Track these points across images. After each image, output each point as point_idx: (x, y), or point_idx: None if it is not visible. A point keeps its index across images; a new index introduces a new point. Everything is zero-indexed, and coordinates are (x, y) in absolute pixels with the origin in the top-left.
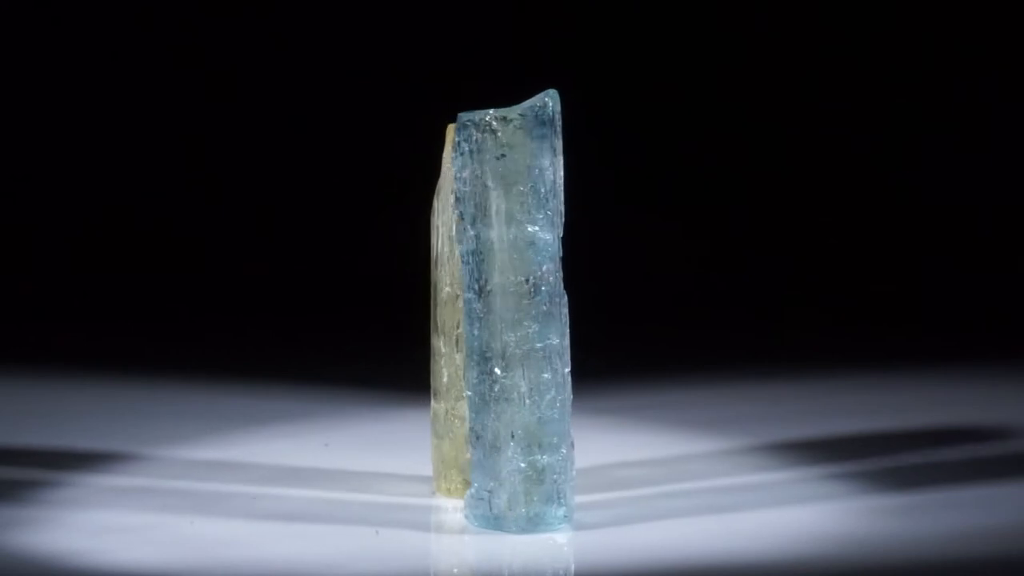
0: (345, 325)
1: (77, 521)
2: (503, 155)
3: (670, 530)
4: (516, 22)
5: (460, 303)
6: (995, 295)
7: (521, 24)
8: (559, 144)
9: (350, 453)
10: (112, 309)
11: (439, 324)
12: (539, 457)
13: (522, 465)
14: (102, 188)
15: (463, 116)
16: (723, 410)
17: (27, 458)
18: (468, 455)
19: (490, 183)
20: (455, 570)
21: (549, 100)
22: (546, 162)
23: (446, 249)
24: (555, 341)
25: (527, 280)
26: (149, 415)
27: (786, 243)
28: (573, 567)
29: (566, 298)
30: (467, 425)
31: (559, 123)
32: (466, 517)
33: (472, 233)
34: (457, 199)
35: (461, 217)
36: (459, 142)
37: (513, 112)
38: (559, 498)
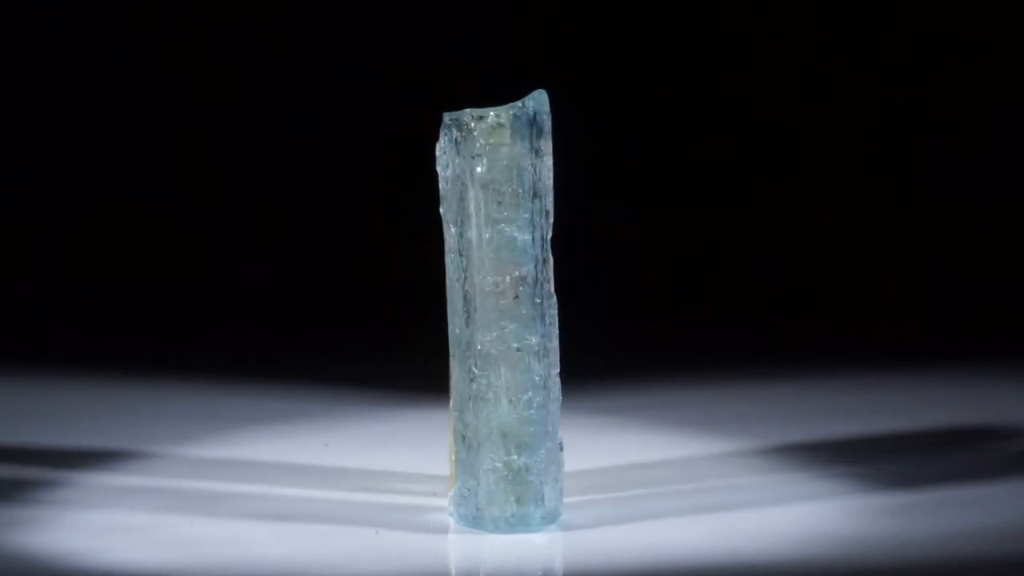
0: (345, 325)
1: (77, 521)
2: (479, 155)
3: (666, 530)
4: (517, 21)
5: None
6: (995, 295)
7: (521, 23)
8: (545, 144)
9: (350, 453)
10: (112, 309)
11: None
12: (515, 457)
13: (498, 465)
14: (102, 188)
15: (447, 116)
16: (723, 410)
17: (27, 458)
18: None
19: (468, 183)
20: (429, 569)
21: (530, 101)
22: (525, 162)
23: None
24: (532, 341)
25: (499, 281)
26: (149, 415)
27: (786, 243)
28: (560, 568)
29: (554, 299)
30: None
31: (545, 124)
32: (451, 516)
33: (454, 232)
34: (441, 198)
35: (444, 216)
36: (442, 141)
37: (491, 112)
38: (538, 499)
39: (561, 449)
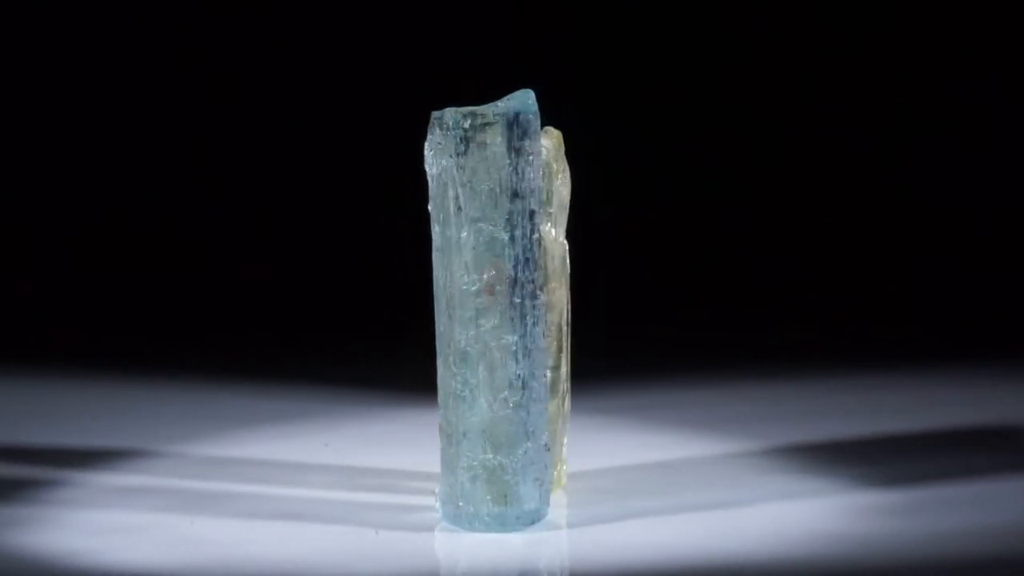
0: (345, 325)
1: (77, 521)
2: (460, 153)
3: (666, 530)
4: (518, 21)
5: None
6: (995, 295)
7: (523, 23)
8: (530, 145)
9: (350, 453)
10: (112, 309)
11: None
12: (491, 456)
13: (474, 463)
14: (102, 188)
15: (434, 114)
16: (723, 410)
17: (27, 458)
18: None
19: (450, 181)
20: (408, 568)
21: (511, 100)
22: (504, 162)
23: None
24: (510, 340)
25: (481, 279)
26: (149, 415)
27: (786, 243)
28: (545, 569)
29: (540, 299)
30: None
31: (529, 124)
32: (438, 513)
33: (438, 230)
34: (429, 196)
35: (431, 215)
36: (429, 140)
37: (472, 111)
38: (513, 498)
39: (547, 450)
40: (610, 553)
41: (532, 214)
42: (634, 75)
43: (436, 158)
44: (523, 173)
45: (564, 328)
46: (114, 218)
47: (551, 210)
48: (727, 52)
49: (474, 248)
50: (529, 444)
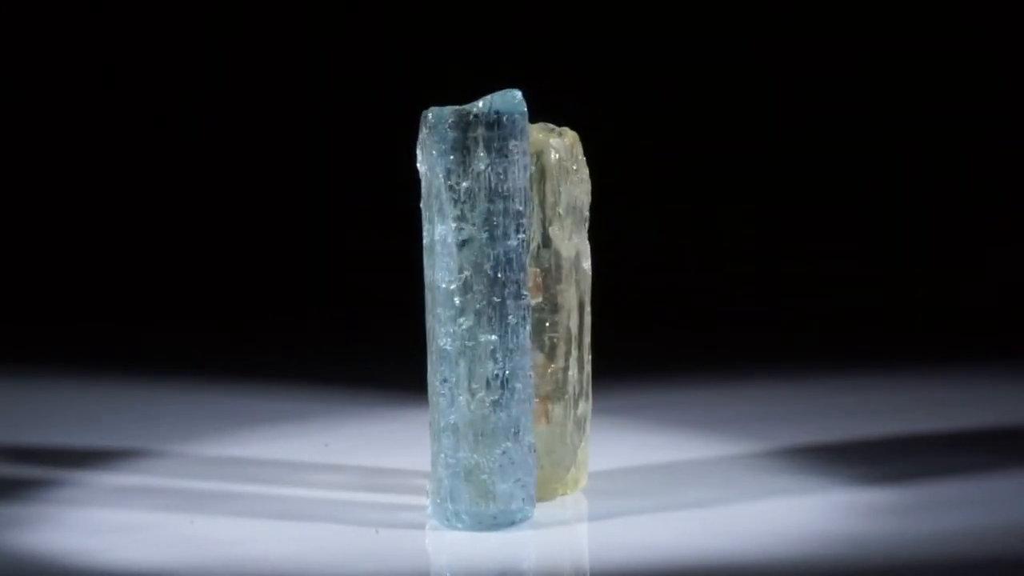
0: (345, 325)
1: (77, 520)
2: (442, 152)
3: (665, 529)
4: (520, 20)
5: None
6: (995, 295)
7: (525, 22)
8: (514, 145)
9: (350, 453)
10: (112, 309)
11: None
12: (468, 454)
13: (451, 461)
14: (102, 188)
15: (424, 113)
16: (723, 410)
17: (27, 457)
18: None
19: (434, 179)
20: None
21: (495, 99)
22: (480, 164)
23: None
24: (488, 339)
25: (459, 278)
26: (148, 415)
27: (786, 243)
28: (532, 568)
29: (526, 300)
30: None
31: (513, 124)
32: (428, 509)
33: (427, 228)
34: (422, 195)
35: (422, 213)
36: (419, 138)
37: (454, 110)
38: (489, 497)
39: (532, 451)
40: (610, 553)
41: (516, 214)
42: (636, 73)
43: (424, 156)
44: (505, 173)
45: (573, 330)
46: (114, 218)
47: (560, 211)
48: (734, 52)
49: (451, 247)
50: (509, 444)
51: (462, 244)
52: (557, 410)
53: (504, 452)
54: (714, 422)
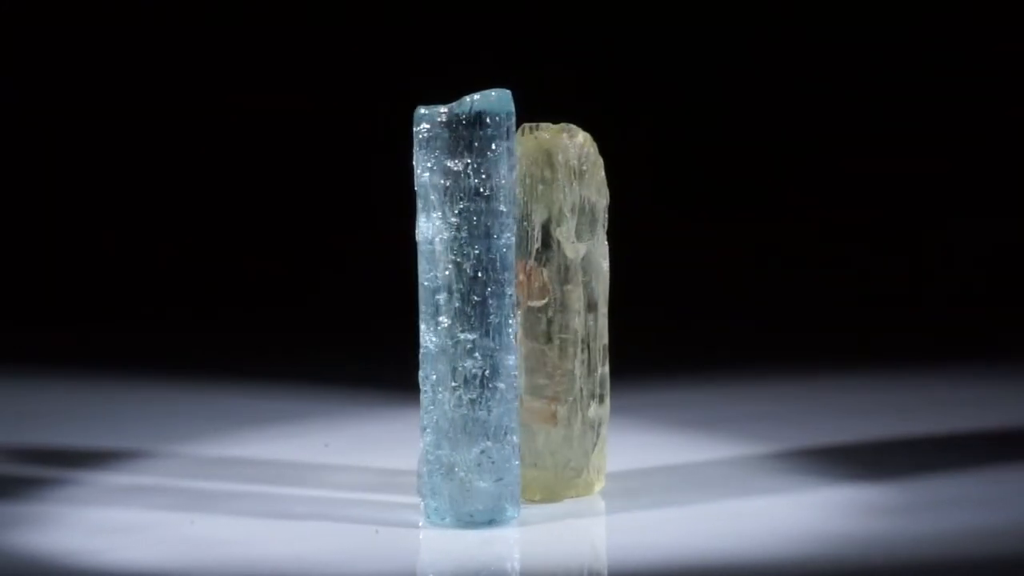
0: (345, 325)
1: (77, 520)
2: (428, 150)
3: (665, 529)
4: (521, 21)
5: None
6: (995, 295)
7: (526, 23)
8: (499, 145)
9: (350, 453)
10: (112, 309)
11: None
12: (447, 452)
13: (430, 458)
14: (102, 188)
15: (416, 110)
16: (723, 410)
17: (27, 457)
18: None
19: (420, 178)
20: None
21: (479, 98)
22: (460, 163)
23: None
24: (465, 338)
25: (439, 276)
26: (148, 415)
27: (787, 243)
28: (517, 567)
29: (507, 299)
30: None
31: (498, 124)
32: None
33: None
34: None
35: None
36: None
37: (439, 109)
38: (466, 495)
39: (515, 451)
40: (609, 554)
41: (499, 214)
42: (639, 72)
43: (415, 154)
44: (488, 173)
45: (580, 331)
46: (114, 218)
47: (567, 212)
48: (744, 52)
49: (429, 246)
50: (489, 444)
51: (442, 242)
52: (562, 412)
53: (483, 451)
54: (714, 422)
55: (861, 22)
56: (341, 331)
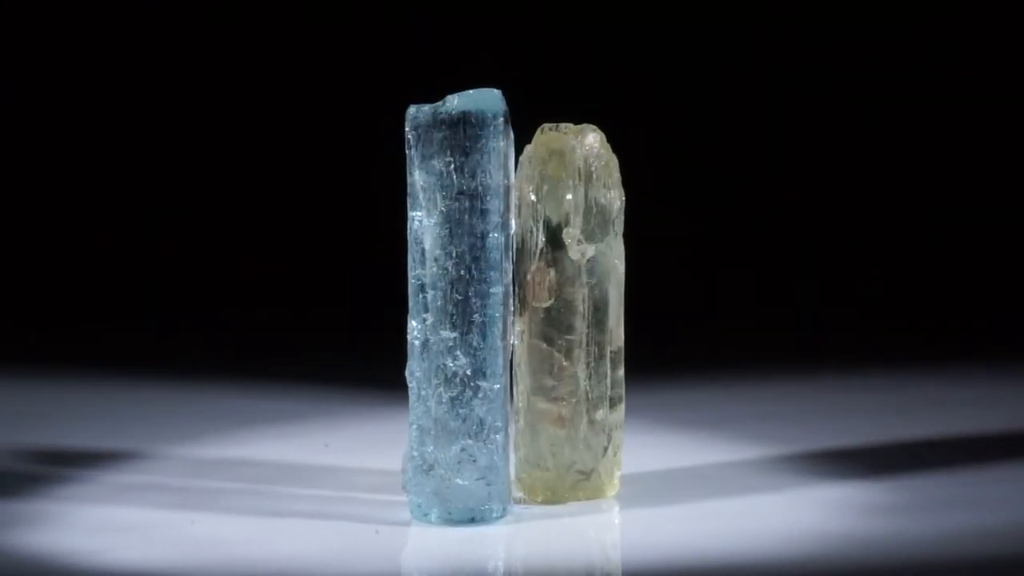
0: (345, 325)
1: (78, 520)
2: (417, 148)
3: (665, 529)
4: (523, 21)
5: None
6: (995, 295)
7: (528, 23)
8: (485, 143)
9: (350, 453)
10: (112, 309)
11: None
12: (429, 449)
13: (414, 455)
14: (101, 188)
15: (408, 109)
16: (724, 410)
17: (27, 457)
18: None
19: (410, 176)
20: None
21: (466, 97)
22: (438, 162)
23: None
24: (446, 336)
25: (423, 273)
26: (148, 415)
27: (787, 243)
28: (502, 565)
29: (493, 299)
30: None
31: (485, 123)
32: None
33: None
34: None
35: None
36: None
37: (427, 107)
38: (446, 493)
39: (503, 450)
40: (607, 554)
41: (484, 212)
42: (641, 71)
43: (407, 153)
44: (473, 171)
45: (587, 331)
46: (114, 218)
47: (572, 214)
48: (742, 52)
49: (413, 244)
50: (470, 442)
51: (428, 240)
52: (565, 413)
53: (463, 449)
54: (715, 422)
55: (861, 22)
56: (341, 331)
